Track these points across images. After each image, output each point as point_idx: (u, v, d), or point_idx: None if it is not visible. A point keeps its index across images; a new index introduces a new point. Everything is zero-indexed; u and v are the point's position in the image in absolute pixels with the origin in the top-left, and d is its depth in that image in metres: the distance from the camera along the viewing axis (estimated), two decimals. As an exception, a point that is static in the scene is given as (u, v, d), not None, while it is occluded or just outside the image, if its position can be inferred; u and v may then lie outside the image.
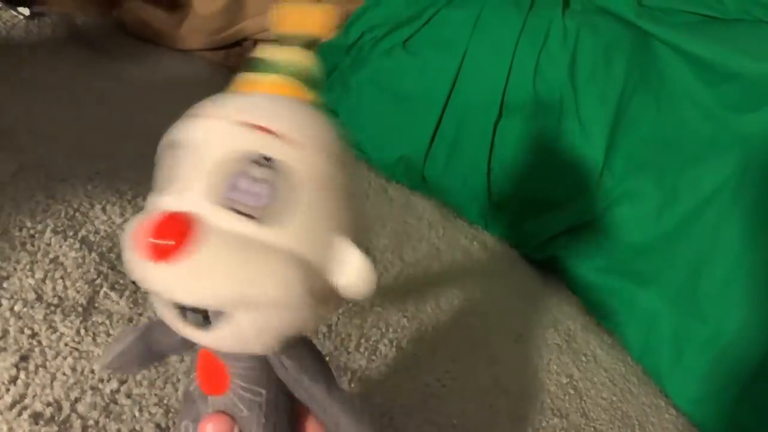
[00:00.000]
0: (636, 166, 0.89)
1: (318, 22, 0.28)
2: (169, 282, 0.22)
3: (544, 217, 0.96)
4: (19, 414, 0.39)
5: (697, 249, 0.82)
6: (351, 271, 0.24)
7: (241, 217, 0.23)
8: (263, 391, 0.26)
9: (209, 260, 0.22)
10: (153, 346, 0.31)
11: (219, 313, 0.23)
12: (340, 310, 0.64)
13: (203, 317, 0.23)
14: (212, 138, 0.23)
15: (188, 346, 0.29)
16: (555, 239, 0.97)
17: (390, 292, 0.74)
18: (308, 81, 0.27)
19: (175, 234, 0.22)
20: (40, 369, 0.42)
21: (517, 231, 1.01)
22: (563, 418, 0.66)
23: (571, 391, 0.71)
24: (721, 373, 0.78)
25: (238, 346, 0.25)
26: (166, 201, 0.24)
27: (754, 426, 0.76)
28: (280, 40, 0.28)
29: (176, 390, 0.46)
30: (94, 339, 0.47)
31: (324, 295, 0.24)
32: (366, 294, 0.25)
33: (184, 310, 0.24)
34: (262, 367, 0.26)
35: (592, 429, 0.66)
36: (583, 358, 0.79)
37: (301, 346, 0.27)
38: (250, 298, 0.22)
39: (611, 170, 0.90)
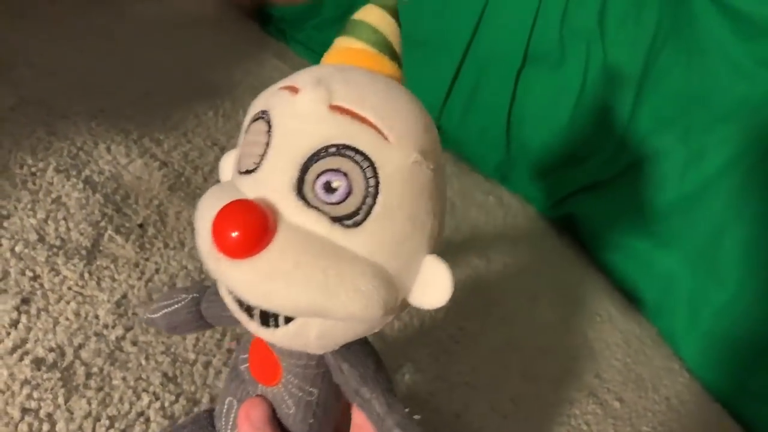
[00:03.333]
0: (662, 122, 0.85)
1: None
2: (243, 280, 0.20)
3: (564, 172, 0.93)
4: (21, 359, 0.37)
5: (719, 211, 0.80)
6: (437, 291, 0.22)
7: (324, 217, 0.20)
8: (315, 391, 0.25)
9: (288, 262, 0.19)
10: (205, 313, 0.29)
11: (286, 317, 0.21)
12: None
13: (270, 317, 0.21)
14: (305, 126, 0.21)
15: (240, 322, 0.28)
16: (574, 196, 0.94)
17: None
18: (396, 53, 0.25)
19: (255, 229, 0.19)
20: (42, 313, 0.41)
21: (534, 186, 0.98)
22: (576, 379, 0.65)
23: (585, 352, 0.70)
24: (737, 339, 0.77)
25: (298, 345, 0.23)
26: (248, 184, 0.22)
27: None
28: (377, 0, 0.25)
29: (184, 339, 0.44)
30: (98, 283, 0.45)
31: (397, 308, 0.22)
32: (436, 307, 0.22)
33: (250, 306, 0.22)
34: (317, 367, 0.25)
35: (606, 390, 0.65)
36: (598, 319, 0.78)
37: (360, 350, 0.25)
38: (324, 309, 0.20)
39: (637, 125, 0.86)
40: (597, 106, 0.88)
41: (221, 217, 0.19)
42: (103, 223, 0.50)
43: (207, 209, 0.21)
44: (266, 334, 0.22)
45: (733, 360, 0.77)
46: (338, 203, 0.20)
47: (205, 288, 0.30)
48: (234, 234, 0.19)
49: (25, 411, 0.35)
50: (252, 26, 1.26)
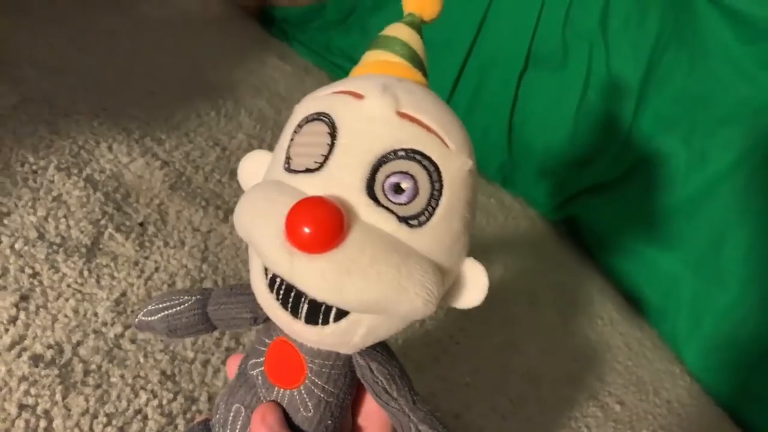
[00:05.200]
0: (665, 125, 0.85)
1: (435, 6, 0.27)
2: (317, 274, 0.20)
3: (566, 175, 0.93)
4: (19, 355, 0.37)
5: (722, 214, 0.79)
6: (474, 292, 0.23)
7: (392, 216, 0.21)
8: (336, 392, 0.25)
9: (365, 257, 0.20)
10: (213, 315, 0.28)
11: (342, 313, 0.21)
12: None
13: (323, 314, 0.22)
14: (375, 129, 0.21)
15: (256, 324, 0.27)
16: (576, 198, 0.94)
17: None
18: (425, 69, 0.26)
19: (335, 223, 0.20)
20: (41, 310, 0.41)
21: (536, 188, 0.98)
22: (577, 381, 0.64)
23: (586, 354, 0.70)
24: (739, 342, 0.76)
25: (339, 344, 0.23)
26: (310, 182, 0.22)
27: (770, 396, 0.74)
28: (404, 19, 0.26)
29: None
30: (98, 281, 0.45)
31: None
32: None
33: (298, 302, 0.22)
34: (343, 367, 0.25)
35: (607, 393, 0.65)
36: (599, 322, 0.77)
37: (384, 350, 0.25)
38: (391, 305, 0.20)
39: (639, 128, 0.86)
40: (599, 109, 0.88)
41: (298, 212, 0.20)
42: (103, 222, 0.50)
43: (270, 205, 0.22)
44: (311, 333, 0.22)
45: (735, 363, 0.76)
46: (405, 204, 0.21)
47: (208, 291, 0.29)
48: (313, 228, 0.19)
49: (22, 407, 0.35)
50: (255, 27, 1.26)
